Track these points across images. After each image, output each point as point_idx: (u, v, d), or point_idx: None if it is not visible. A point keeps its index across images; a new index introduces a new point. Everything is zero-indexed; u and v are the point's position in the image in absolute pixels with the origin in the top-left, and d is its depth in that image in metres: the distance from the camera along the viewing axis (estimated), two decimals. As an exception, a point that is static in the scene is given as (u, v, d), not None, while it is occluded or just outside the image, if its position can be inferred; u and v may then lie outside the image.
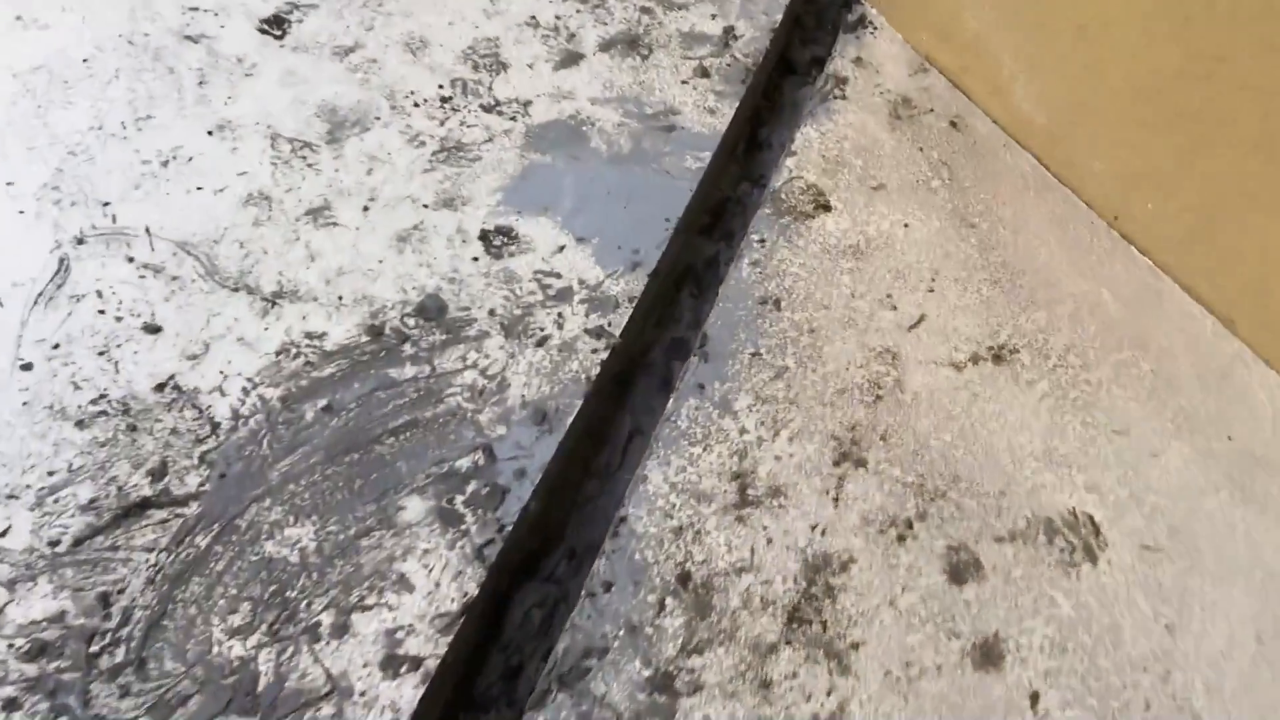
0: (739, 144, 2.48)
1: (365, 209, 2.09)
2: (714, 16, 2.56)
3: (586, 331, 1.93)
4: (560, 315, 1.95)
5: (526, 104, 2.32)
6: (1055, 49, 2.19)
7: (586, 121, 2.29)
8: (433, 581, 1.61)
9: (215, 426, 1.76)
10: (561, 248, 2.06)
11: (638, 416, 1.98)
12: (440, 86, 2.35)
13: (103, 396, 1.76)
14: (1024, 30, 2.24)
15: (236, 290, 1.94)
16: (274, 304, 1.92)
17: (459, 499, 1.71)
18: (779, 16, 2.60)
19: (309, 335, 1.88)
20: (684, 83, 2.40)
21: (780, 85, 2.67)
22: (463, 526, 1.67)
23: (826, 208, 2.22)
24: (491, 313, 1.94)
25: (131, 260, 1.95)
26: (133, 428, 1.74)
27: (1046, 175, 2.33)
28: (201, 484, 1.69)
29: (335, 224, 2.06)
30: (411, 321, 1.92)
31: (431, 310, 1.94)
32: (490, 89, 2.35)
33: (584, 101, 2.34)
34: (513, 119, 2.29)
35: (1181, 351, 1.98)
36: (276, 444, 1.74)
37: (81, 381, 1.77)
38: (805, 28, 2.79)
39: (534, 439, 1.78)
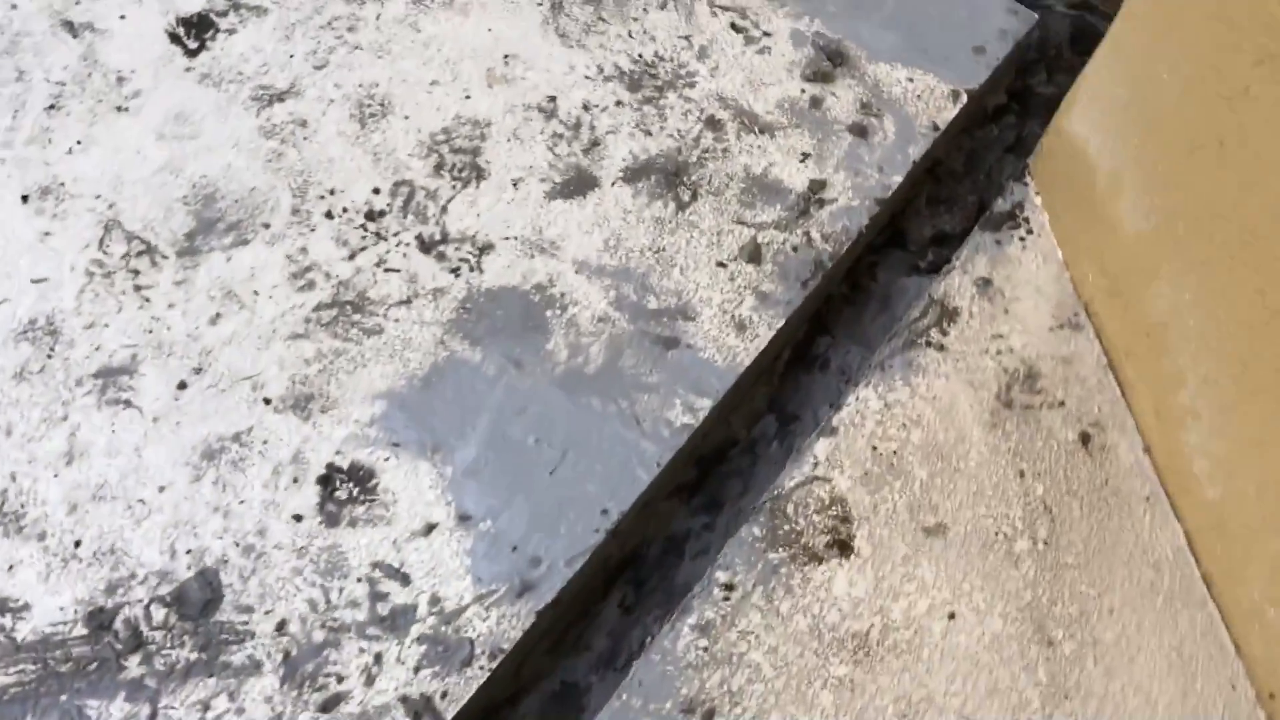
0: (782, 352, 1.72)
1: (182, 385, 1.43)
2: (805, 158, 1.76)
3: (403, 703, 1.26)
4: (378, 658, 1.28)
5: (484, 249, 1.60)
6: (1266, 406, 1.37)
7: (558, 300, 1.56)
8: None
9: None
10: (430, 528, 1.37)
11: (454, 827, 1.33)
12: (376, 190, 1.63)
13: None
14: (1231, 353, 1.42)
15: (-62, 492, 1.31)
16: (-20, 531, 1.29)
17: None
18: (898, 179, 1.78)
19: (1, 605, 1.26)
20: (720, 265, 1.64)
21: (876, 263, 1.87)
22: None
23: (845, 548, 1.48)
24: (281, 627, 1.29)
25: None
26: None
27: (1194, 575, 1.53)
28: None
29: (129, 403, 1.40)
30: (160, 615, 1.28)
31: (196, 602, 1.29)
32: (444, 211, 1.62)
33: (568, 263, 1.60)
34: (455, 271, 1.57)
35: None
36: None
37: None
38: (944, 179, 1.96)
39: None
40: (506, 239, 1.62)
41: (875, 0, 1.96)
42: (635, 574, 1.56)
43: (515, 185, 1.66)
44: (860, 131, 1.81)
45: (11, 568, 1.29)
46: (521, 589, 1.36)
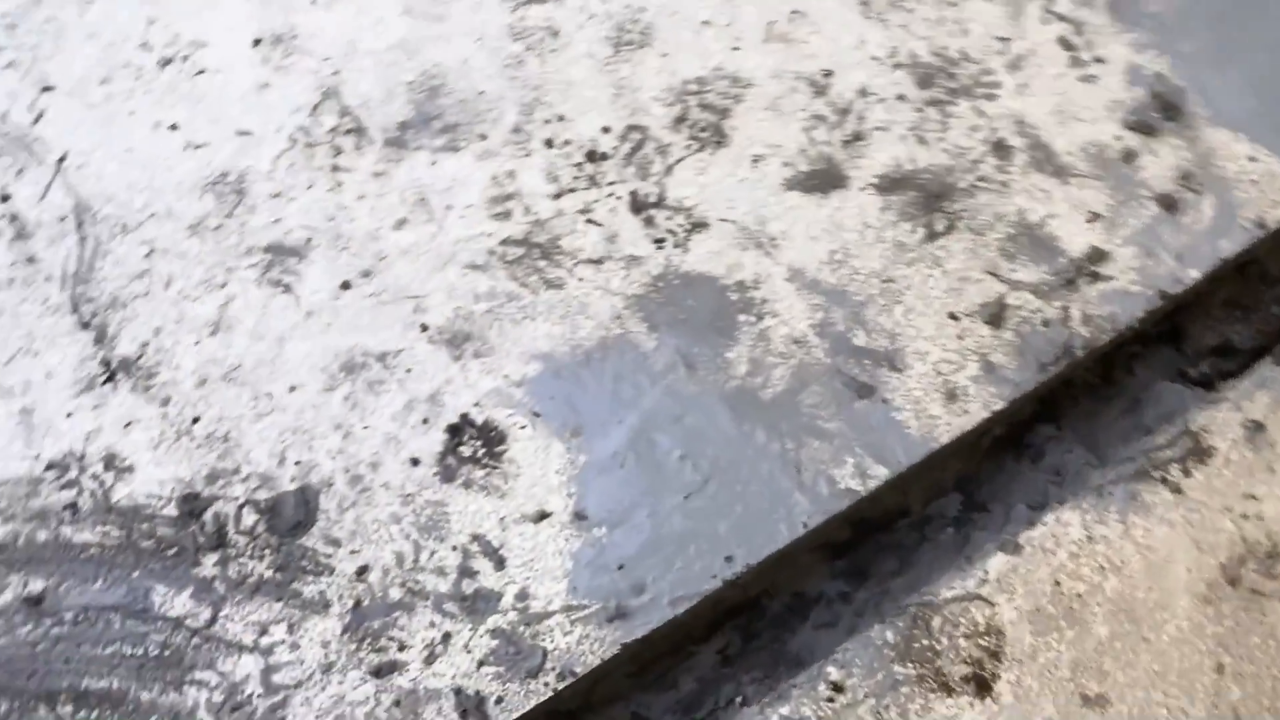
0: (992, 428, 1.51)
1: (346, 286, 1.35)
2: (1093, 219, 1.50)
3: (456, 694, 1.18)
4: (446, 639, 1.20)
5: (697, 226, 1.44)
6: None
7: (756, 306, 1.40)
8: None
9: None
10: (543, 516, 1.27)
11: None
12: (605, 129, 1.49)
13: None
14: None
15: (86, 326, 1.29)
16: (111, 377, 1.27)
17: None
18: (1196, 275, 1.50)
19: (109, 460, 1.24)
20: (952, 317, 1.42)
21: (1138, 356, 1.60)
22: None
23: (984, 687, 1.28)
24: (362, 572, 1.22)
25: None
26: None
27: None
28: None
29: (288, 289, 1.34)
30: (250, 520, 1.23)
31: (288, 518, 1.24)
32: (669, 171, 1.47)
33: (782, 267, 1.43)
34: (659, 242, 1.42)
35: None
36: (-72, 620, 1.16)
37: None
38: (1251, 279, 1.65)
39: (239, 838, 1.11)
40: (724, 221, 1.45)
41: (1241, 47, 1.63)
42: (748, 623, 1.41)
43: (755, 163, 1.48)
44: (1169, 205, 1.53)
45: (128, 425, 1.25)
46: (615, 614, 1.24)
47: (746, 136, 1.50)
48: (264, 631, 1.19)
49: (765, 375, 1.37)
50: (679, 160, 1.47)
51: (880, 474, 1.33)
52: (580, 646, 1.21)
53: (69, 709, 1.14)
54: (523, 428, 1.31)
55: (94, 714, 1.14)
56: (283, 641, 1.19)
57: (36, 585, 1.18)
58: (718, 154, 1.49)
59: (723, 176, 1.47)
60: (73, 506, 1.21)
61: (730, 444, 1.33)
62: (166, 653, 1.17)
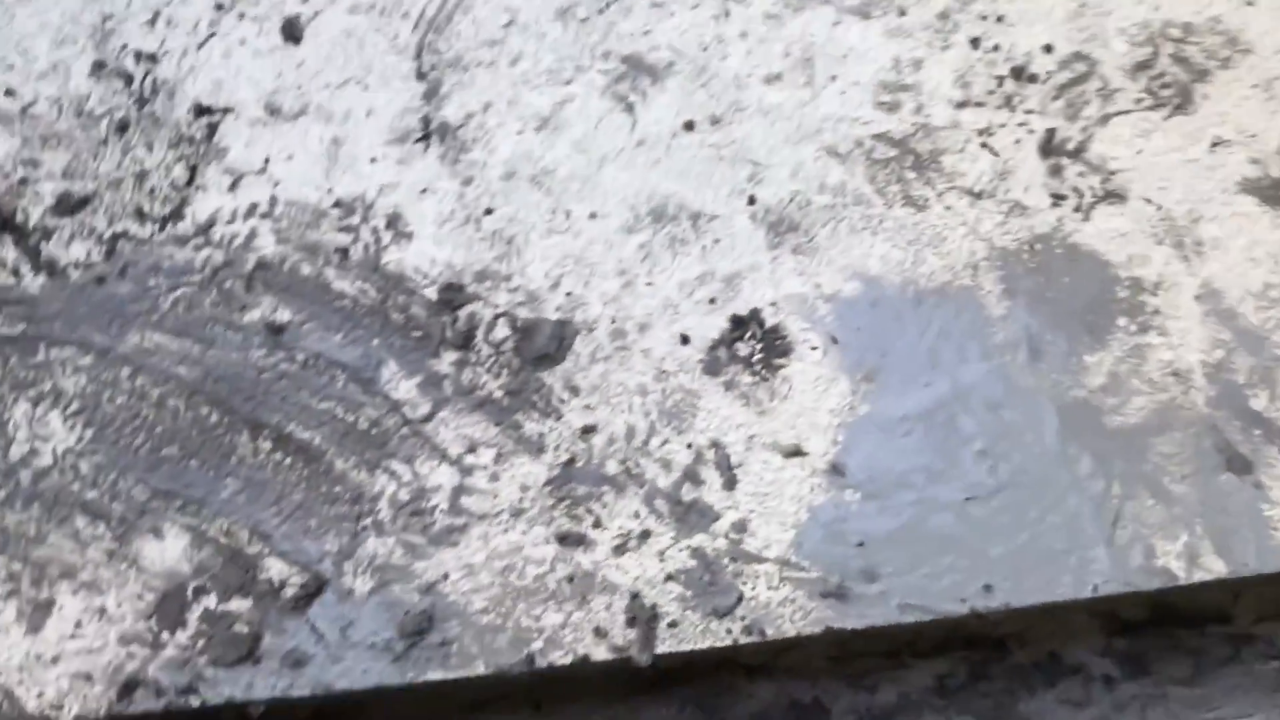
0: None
1: (689, 126, 1.23)
2: None
3: (631, 599, 1.07)
4: (644, 536, 1.08)
5: (1110, 195, 1.18)
6: None
7: (1145, 315, 1.14)
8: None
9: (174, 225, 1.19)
10: (796, 452, 1.10)
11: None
12: (1047, 48, 1.25)
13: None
14: None
15: (422, 77, 1.23)
16: (426, 136, 1.21)
17: (212, 600, 1.08)
18: None
19: (393, 219, 1.19)
20: (1392, 420, 1.10)
21: None
22: (163, 640, 1.07)
23: None
24: (588, 431, 1.11)
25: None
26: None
27: None
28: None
29: (630, 108, 1.23)
30: (501, 335, 1.15)
31: (538, 348, 1.15)
32: (1103, 121, 1.21)
33: (1195, 279, 1.16)
34: (1057, 198, 1.18)
35: None
36: (183, 309, 1.16)
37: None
38: None
39: (371, 659, 1.06)
40: (1147, 201, 1.17)
41: None
42: (983, 661, 1.19)
43: (1214, 146, 1.19)
44: None
45: (424, 191, 1.18)
46: (834, 591, 1.06)
47: (1216, 112, 1.20)
48: (472, 449, 1.10)
49: (1122, 399, 1.10)
50: (1121, 113, 1.19)
51: (1215, 569, 1.05)
52: (781, 609, 1.05)
53: (268, 445, 1.11)
54: (813, 348, 1.13)
55: (286, 459, 1.09)
56: (485, 467, 1.10)
57: (284, 315, 1.14)
58: (1172, 120, 1.19)
59: (1167, 149, 1.18)
60: (343, 252, 1.16)
61: (1045, 460, 1.09)
62: (374, 431, 1.11)
